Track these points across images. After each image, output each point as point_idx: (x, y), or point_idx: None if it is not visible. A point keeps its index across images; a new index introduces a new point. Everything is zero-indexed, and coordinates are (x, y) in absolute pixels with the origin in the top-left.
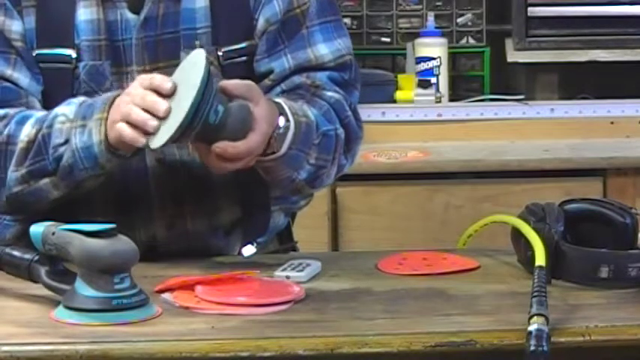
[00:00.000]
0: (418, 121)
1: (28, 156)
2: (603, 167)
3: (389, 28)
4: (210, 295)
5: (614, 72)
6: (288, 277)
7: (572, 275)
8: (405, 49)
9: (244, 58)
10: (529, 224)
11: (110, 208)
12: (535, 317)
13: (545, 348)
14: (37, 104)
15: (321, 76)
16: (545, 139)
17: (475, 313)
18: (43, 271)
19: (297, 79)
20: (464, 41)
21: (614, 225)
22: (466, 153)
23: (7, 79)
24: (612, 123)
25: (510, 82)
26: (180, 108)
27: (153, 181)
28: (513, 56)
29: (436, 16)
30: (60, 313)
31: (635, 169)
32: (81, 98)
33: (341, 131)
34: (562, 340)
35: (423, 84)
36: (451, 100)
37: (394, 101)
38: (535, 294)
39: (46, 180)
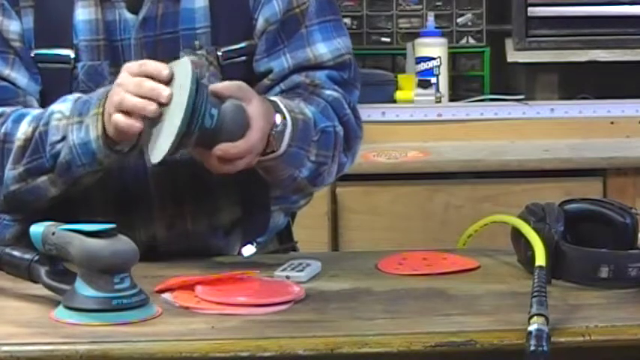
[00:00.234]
0: (418, 121)
1: (25, 154)
2: (603, 167)
3: (389, 28)
4: (210, 295)
5: (614, 72)
6: (288, 277)
7: (572, 275)
8: (405, 49)
9: (244, 58)
10: (529, 224)
11: (110, 208)
12: (535, 317)
13: (545, 348)
14: (35, 104)
15: (320, 75)
16: (545, 139)
17: (475, 313)
18: (43, 271)
19: (296, 78)
20: (464, 41)
21: (614, 225)
22: (466, 153)
23: (4, 79)
24: (612, 123)
25: (510, 82)
26: (174, 118)
27: (152, 181)
28: (513, 56)
29: (436, 16)
30: (60, 313)
31: (635, 169)
32: (76, 95)
33: (340, 128)
34: (562, 340)
35: (423, 84)
36: (451, 100)
37: (394, 101)
38: (535, 294)
39: (43, 177)
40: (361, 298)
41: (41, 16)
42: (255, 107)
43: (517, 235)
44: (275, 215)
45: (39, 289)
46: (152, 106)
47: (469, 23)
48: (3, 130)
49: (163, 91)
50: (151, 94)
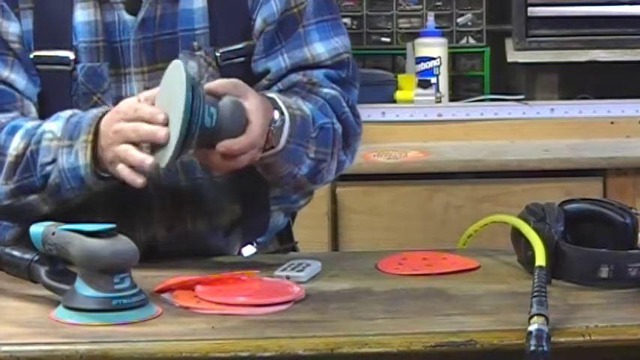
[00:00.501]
0: (418, 121)
1: (17, 171)
2: (603, 167)
3: (389, 28)
4: (210, 295)
5: (614, 72)
6: (288, 277)
7: (572, 275)
8: (405, 49)
9: (242, 58)
10: (529, 224)
11: (110, 209)
12: (535, 317)
13: (545, 348)
14: (33, 108)
15: (317, 74)
16: (545, 139)
17: (475, 313)
18: (43, 271)
19: (294, 77)
20: (464, 41)
21: (614, 225)
22: (466, 153)
23: (3, 82)
24: (612, 123)
25: (510, 82)
26: (174, 124)
27: (152, 182)
28: (513, 56)
29: (436, 16)
30: (60, 313)
31: (635, 169)
32: (68, 112)
33: (338, 126)
34: (562, 340)
35: (423, 84)
36: (451, 100)
37: (394, 101)
38: (535, 294)
39: (35, 196)
40: (361, 298)
41: (40, 17)
42: (252, 102)
43: (517, 235)
44: (275, 215)
45: (39, 289)
46: (149, 160)
47: (469, 23)
48: None
49: (159, 132)
50: (149, 139)
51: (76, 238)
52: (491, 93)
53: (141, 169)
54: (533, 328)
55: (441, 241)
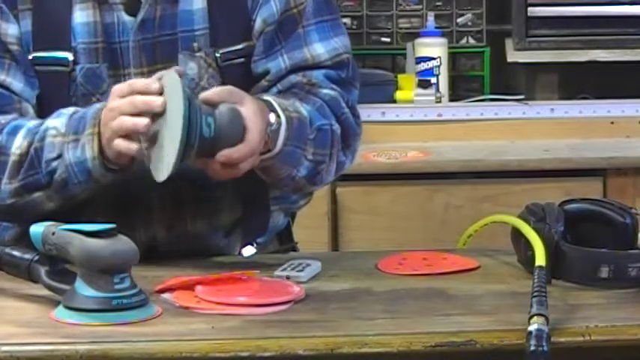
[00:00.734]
0: (418, 121)
1: (21, 170)
2: (603, 167)
3: (389, 28)
4: (210, 295)
5: (614, 72)
6: (288, 277)
7: (572, 275)
8: (405, 49)
9: (242, 59)
10: (529, 224)
11: (110, 209)
12: (535, 317)
13: (545, 348)
14: (31, 110)
15: (317, 75)
16: (545, 139)
17: (475, 313)
18: (43, 271)
19: (294, 78)
20: (464, 41)
21: (614, 225)
22: (466, 153)
23: (0, 85)
24: (612, 123)
25: (510, 82)
26: (173, 135)
27: (152, 182)
28: (513, 56)
29: (436, 16)
30: (60, 313)
31: (635, 169)
32: (71, 109)
33: (337, 127)
34: (562, 340)
35: (423, 84)
36: (451, 100)
37: (394, 101)
38: (535, 294)
39: (39, 193)
40: (361, 298)
41: (39, 19)
42: (249, 108)
43: (517, 235)
44: (275, 215)
45: (39, 289)
46: (143, 121)
47: (469, 23)
48: None
49: (156, 101)
50: (146, 108)
51: (76, 238)
52: (491, 93)
53: (135, 132)
54: (533, 328)
55: (441, 241)
